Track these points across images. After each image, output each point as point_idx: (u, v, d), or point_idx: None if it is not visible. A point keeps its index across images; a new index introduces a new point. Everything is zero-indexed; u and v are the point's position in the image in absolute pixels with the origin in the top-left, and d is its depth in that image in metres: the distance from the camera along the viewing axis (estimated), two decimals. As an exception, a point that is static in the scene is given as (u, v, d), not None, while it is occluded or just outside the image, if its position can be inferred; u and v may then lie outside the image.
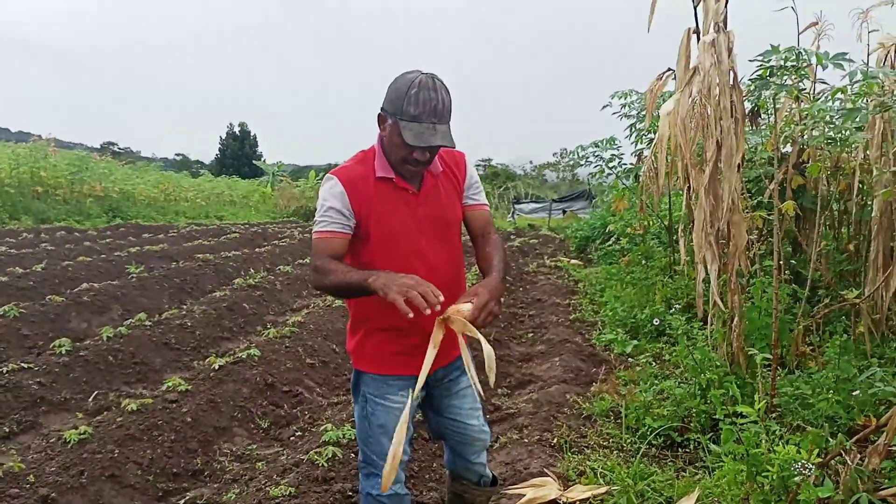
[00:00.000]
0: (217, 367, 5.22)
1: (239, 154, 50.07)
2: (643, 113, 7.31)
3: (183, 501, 3.71)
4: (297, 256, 11.98)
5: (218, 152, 52.08)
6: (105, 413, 4.52)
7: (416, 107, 2.13)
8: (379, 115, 2.27)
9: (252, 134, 52.94)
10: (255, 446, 4.50)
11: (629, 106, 7.52)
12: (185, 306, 7.55)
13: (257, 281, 8.77)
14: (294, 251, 12.61)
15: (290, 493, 3.25)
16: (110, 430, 4.09)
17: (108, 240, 12.76)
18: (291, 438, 4.60)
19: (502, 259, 2.43)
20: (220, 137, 52.20)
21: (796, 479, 2.48)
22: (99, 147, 48.55)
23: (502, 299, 2.47)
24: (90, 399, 4.99)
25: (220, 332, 6.91)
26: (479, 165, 57.51)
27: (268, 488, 3.35)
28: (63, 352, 5.39)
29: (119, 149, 53.42)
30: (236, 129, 52.47)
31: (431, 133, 2.15)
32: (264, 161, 41.65)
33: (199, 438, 4.35)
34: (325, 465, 3.60)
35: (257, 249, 12.20)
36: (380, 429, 2.39)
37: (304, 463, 3.65)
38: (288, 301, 8.70)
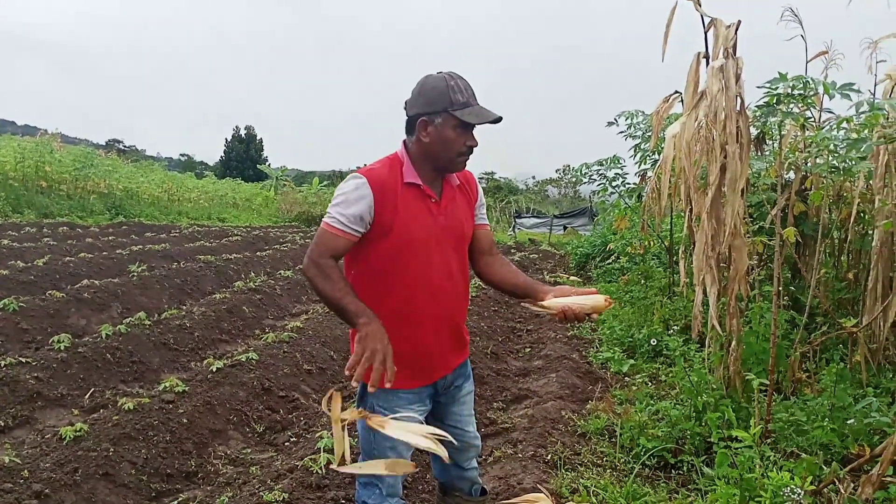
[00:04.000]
0: (215, 370, 5.23)
1: (244, 157, 50.18)
2: (648, 134, 7.36)
3: (176, 503, 3.72)
4: (299, 262, 11.99)
5: (223, 154, 52.20)
6: (101, 411, 4.53)
7: (462, 94, 2.27)
8: (418, 121, 2.30)
9: (258, 138, 53.09)
10: (249, 450, 4.50)
11: (635, 126, 7.56)
12: (184, 307, 7.57)
13: (257, 284, 8.79)
14: (295, 256, 12.63)
15: (284, 498, 3.26)
16: (106, 428, 4.10)
17: (110, 237, 12.80)
18: (286, 444, 4.61)
19: None
20: (226, 140, 52.37)
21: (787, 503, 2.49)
22: (104, 144, 48.86)
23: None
24: (87, 396, 5.00)
25: (219, 335, 6.92)
26: (481, 178, 57.64)
27: (261, 493, 3.35)
28: (62, 347, 5.41)
29: (124, 147, 53.63)
30: (242, 133, 52.61)
31: (485, 110, 2.29)
32: (269, 165, 41.80)
33: (194, 440, 4.36)
34: (320, 471, 3.61)
35: (259, 253, 12.23)
36: (386, 441, 2.30)
37: (299, 469, 3.66)
38: (287, 306, 8.72)
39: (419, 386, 2.41)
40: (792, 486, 2.45)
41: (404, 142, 2.40)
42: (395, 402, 2.38)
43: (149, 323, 6.39)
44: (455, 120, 2.27)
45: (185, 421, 4.43)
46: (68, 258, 9.35)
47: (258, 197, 29.61)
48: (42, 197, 17.33)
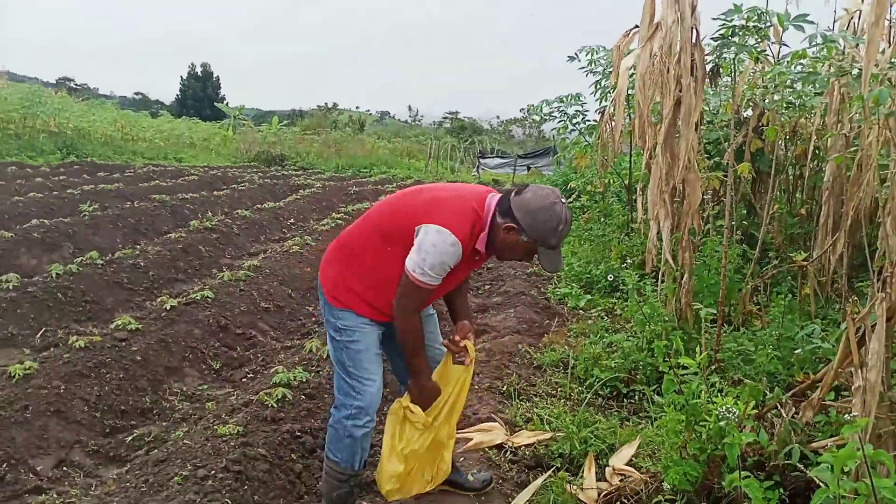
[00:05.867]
0: (169, 308, 5.17)
1: (201, 96, 48.71)
2: (609, 70, 7.29)
3: (130, 438, 3.70)
4: (257, 201, 11.82)
5: (179, 93, 50.61)
6: (52, 349, 4.45)
7: (557, 240, 2.48)
8: (512, 225, 2.46)
9: (215, 75, 51.50)
10: (205, 387, 4.49)
11: (595, 62, 7.48)
12: (138, 246, 7.42)
13: (214, 224, 8.65)
14: (254, 196, 12.44)
15: (239, 431, 3.26)
16: (57, 366, 4.04)
17: (61, 177, 12.39)
18: (243, 380, 4.60)
19: None
20: (181, 78, 50.68)
21: (721, 423, 2.56)
22: (55, 83, 46.91)
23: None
24: (38, 336, 4.91)
25: (175, 274, 6.82)
26: (446, 118, 57.05)
27: (216, 427, 3.35)
28: (10, 287, 5.28)
29: (76, 85, 51.52)
30: (198, 70, 50.98)
31: (558, 261, 2.56)
32: (227, 104, 40.69)
33: (148, 377, 4.32)
34: (275, 405, 3.62)
35: (216, 193, 12.00)
36: (361, 353, 2.62)
37: (254, 403, 3.66)
38: (245, 245, 8.62)
39: (383, 321, 2.70)
40: (728, 406, 2.51)
41: (495, 212, 2.53)
42: (362, 321, 2.64)
43: (101, 262, 6.26)
44: (534, 250, 2.51)
45: (139, 359, 4.39)
46: (17, 198, 9.07)
47: (216, 137, 28.83)
48: (-12, 136, 16.69)
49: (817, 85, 5.03)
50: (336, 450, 2.64)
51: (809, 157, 5.56)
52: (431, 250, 2.40)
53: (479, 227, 2.52)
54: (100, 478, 3.36)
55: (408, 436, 2.69)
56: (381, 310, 2.63)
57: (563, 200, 2.49)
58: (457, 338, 2.74)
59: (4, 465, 3.26)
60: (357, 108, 61.24)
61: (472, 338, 2.80)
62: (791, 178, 6.29)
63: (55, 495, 3.14)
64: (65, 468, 3.42)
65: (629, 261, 6.59)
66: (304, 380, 4.00)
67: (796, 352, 3.86)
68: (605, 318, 5.58)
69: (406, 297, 2.50)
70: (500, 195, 2.59)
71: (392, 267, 2.54)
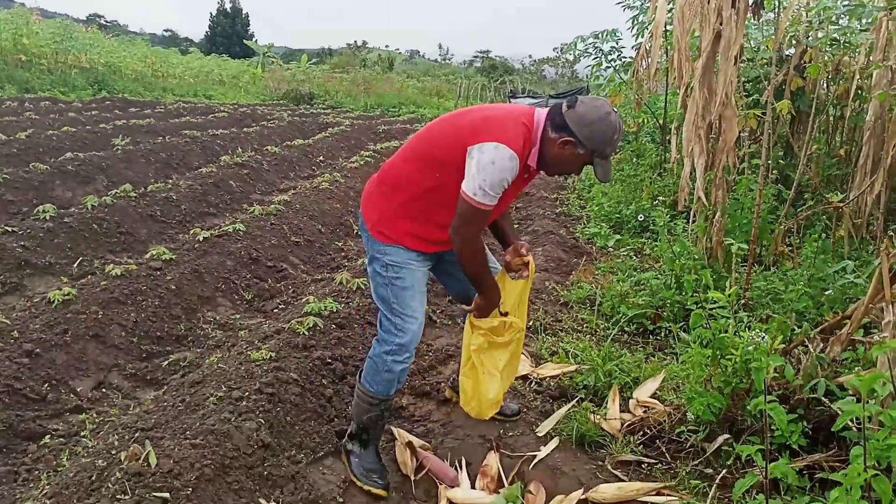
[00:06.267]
0: (202, 239, 5.25)
1: (230, 33, 48.39)
2: (647, 5, 7.09)
3: (166, 363, 3.82)
4: (286, 138, 11.83)
5: (208, 30, 50.30)
6: (89, 277, 4.56)
7: (611, 148, 2.46)
8: (568, 137, 2.42)
9: (244, 12, 51.04)
10: (238, 316, 4.59)
11: (633, -5, 7.26)
12: (170, 181, 7.50)
13: (244, 160, 8.69)
14: (283, 133, 12.44)
15: (271, 356, 3.34)
16: (94, 292, 4.14)
17: (93, 112, 12.49)
18: (274, 310, 4.69)
19: None
20: (211, 14, 50.31)
21: (749, 348, 2.56)
22: (85, 19, 46.77)
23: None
24: (74, 265, 5.03)
25: (206, 208, 6.90)
26: (476, 57, 56.08)
27: (249, 352, 3.43)
28: (47, 217, 5.38)
29: (106, 22, 51.33)
30: (227, 7, 50.52)
31: (610, 169, 2.53)
32: (256, 42, 40.42)
33: (182, 306, 4.42)
34: (306, 332, 3.69)
35: (245, 129, 12.01)
36: (406, 290, 2.61)
37: (286, 331, 3.73)
38: (275, 181, 8.66)
39: (430, 253, 2.70)
40: (757, 332, 2.51)
41: (546, 125, 2.48)
42: (409, 256, 2.63)
43: (135, 195, 6.34)
44: (589, 160, 2.48)
45: (173, 287, 4.49)
46: (51, 132, 9.15)
47: (245, 74, 28.73)
48: (22, 72, 16.73)
49: (863, 21, 4.84)
50: (373, 381, 2.68)
51: (851, 96, 5.39)
52: (490, 168, 2.34)
53: (531, 143, 2.48)
54: (137, 399, 3.49)
55: (497, 356, 2.79)
56: (433, 241, 2.62)
57: (615, 109, 2.47)
58: (523, 250, 2.76)
59: (46, 386, 3.38)
60: (387, 46, 60.42)
61: (530, 254, 2.82)
62: (831, 118, 6.12)
63: (95, 414, 3.27)
64: (104, 389, 3.54)
65: (661, 199, 6.52)
66: (335, 310, 4.06)
67: (827, 292, 3.83)
68: (634, 257, 5.56)
69: (466, 224, 2.45)
70: (547, 110, 2.53)
71: (443, 193, 2.50)
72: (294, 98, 23.21)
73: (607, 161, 2.49)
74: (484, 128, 2.40)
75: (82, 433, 3.07)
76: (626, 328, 4.16)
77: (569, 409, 3.15)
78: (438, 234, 2.57)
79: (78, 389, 3.48)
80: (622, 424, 3.08)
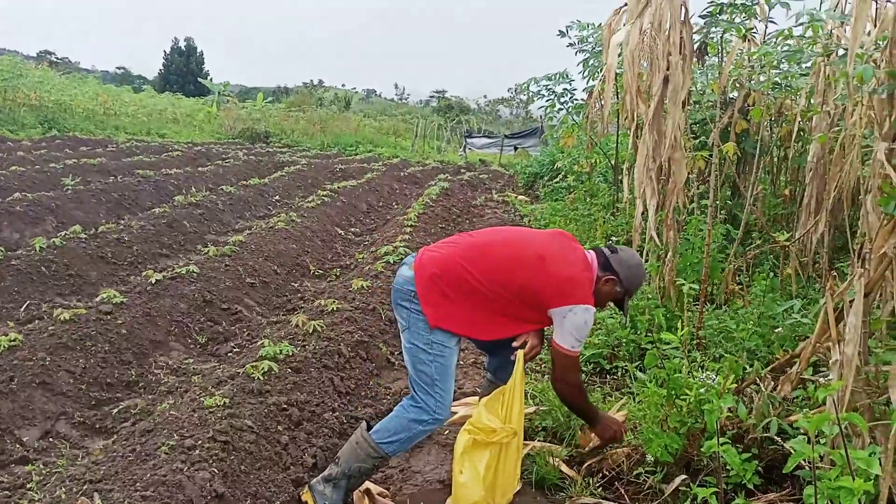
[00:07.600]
0: (154, 282, 5.15)
1: (184, 71, 48.13)
2: (598, 49, 7.29)
3: (116, 410, 3.71)
4: (242, 177, 11.74)
5: (162, 68, 49.95)
6: (36, 322, 4.43)
7: (637, 289, 3.11)
8: (611, 277, 2.88)
9: (199, 50, 50.86)
10: (191, 360, 4.49)
11: (585, 40, 7.46)
12: (122, 221, 7.36)
13: (199, 200, 8.59)
14: (238, 172, 12.36)
15: (225, 403, 3.26)
16: (42, 338, 4.02)
17: (42, 151, 12.24)
18: (229, 354, 4.61)
19: None
20: (165, 52, 50.06)
21: (702, 390, 2.61)
22: (35, 56, 46.10)
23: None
24: (21, 309, 4.88)
25: (159, 249, 6.79)
26: (433, 97, 56.73)
27: (202, 398, 3.35)
28: (-8, 260, 5.23)
29: (57, 58, 50.61)
30: (182, 45, 50.33)
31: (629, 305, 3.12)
32: (211, 80, 40.22)
33: (133, 351, 4.32)
34: (261, 377, 3.63)
35: (200, 169, 11.91)
36: (448, 369, 2.84)
37: (240, 376, 3.66)
38: (230, 221, 8.58)
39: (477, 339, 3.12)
40: (708, 374, 2.57)
41: (601, 265, 2.91)
42: (451, 340, 2.85)
43: (85, 236, 6.21)
44: (620, 298, 2.96)
45: (124, 332, 4.38)
46: (-2, 171, 8.95)
47: (200, 113, 28.55)
48: (-33, 109, 16.44)
49: (803, 64, 5.05)
50: (391, 442, 2.77)
51: (794, 138, 5.60)
52: (584, 327, 2.76)
53: (591, 286, 2.88)
54: (86, 448, 3.37)
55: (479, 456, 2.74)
56: (483, 330, 2.91)
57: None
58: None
59: (-10, 436, 3.25)
60: (343, 85, 60.80)
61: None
62: (775, 159, 6.33)
63: (41, 465, 3.15)
64: (51, 439, 3.42)
65: (614, 239, 6.63)
66: (291, 353, 4.01)
67: (776, 330, 3.92)
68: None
69: (570, 371, 2.85)
70: (593, 251, 2.96)
71: (508, 312, 2.83)
72: (250, 137, 23.12)
73: (629, 300, 3.05)
74: (569, 290, 2.75)
75: (28, 485, 2.94)
76: (583, 368, 4.19)
77: (527, 451, 3.14)
78: (492, 332, 2.91)
79: (24, 439, 3.35)
80: (582, 466, 3.09)
